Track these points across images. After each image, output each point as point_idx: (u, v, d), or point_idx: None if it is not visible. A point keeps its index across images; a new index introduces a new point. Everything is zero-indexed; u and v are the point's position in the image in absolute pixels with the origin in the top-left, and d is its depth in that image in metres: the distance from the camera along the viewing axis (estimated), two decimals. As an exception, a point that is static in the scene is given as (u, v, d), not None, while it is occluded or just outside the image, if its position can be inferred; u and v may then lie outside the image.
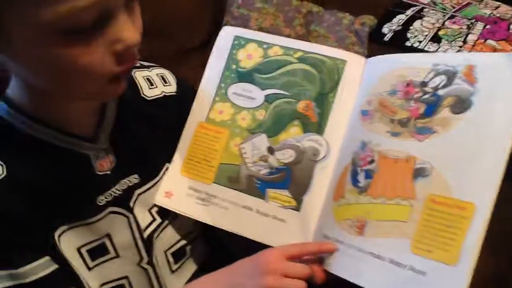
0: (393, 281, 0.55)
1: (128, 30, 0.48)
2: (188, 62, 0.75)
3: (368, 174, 0.61)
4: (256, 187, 0.67)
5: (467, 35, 1.34)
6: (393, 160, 0.60)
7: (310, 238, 0.65)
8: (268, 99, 0.69)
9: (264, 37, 0.71)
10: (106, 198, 0.61)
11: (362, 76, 0.67)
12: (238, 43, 0.71)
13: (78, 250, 0.59)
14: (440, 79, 0.59)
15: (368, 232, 0.59)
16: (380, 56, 0.67)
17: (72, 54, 0.46)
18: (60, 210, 0.56)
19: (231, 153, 0.68)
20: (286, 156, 0.68)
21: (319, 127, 0.68)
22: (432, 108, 0.59)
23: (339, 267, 0.60)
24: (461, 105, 0.56)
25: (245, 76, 0.70)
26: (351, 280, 0.58)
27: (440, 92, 0.58)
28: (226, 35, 0.72)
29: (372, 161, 0.62)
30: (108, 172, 0.61)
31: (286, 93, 0.69)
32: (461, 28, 1.37)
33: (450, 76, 0.58)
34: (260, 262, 0.59)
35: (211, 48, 0.72)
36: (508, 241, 0.67)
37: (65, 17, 0.43)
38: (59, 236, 0.57)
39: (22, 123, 0.55)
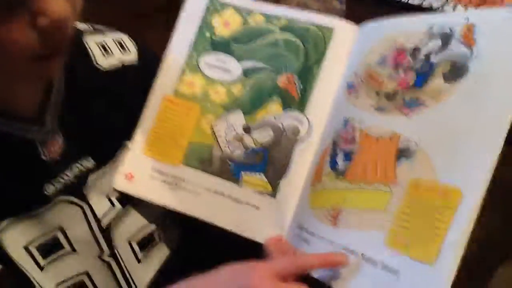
0: (363, 281, 0.46)
1: (54, 1, 0.41)
2: (151, 26, 0.67)
3: (348, 156, 0.52)
4: (230, 170, 0.60)
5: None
6: (376, 139, 0.51)
7: (285, 228, 0.57)
8: (246, 72, 0.61)
9: (244, 3, 0.63)
10: (55, 186, 0.54)
11: (353, 46, 0.58)
12: (213, 8, 0.63)
13: (26, 248, 0.52)
14: (434, 44, 0.49)
15: (342, 222, 0.50)
16: (373, 22, 0.57)
17: None
18: (0, 202, 0.50)
19: (203, 132, 0.61)
20: (263, 135, 0.60)
21: (300, 104, 0.59)
22: (423, 77, 0.49)
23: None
24: (456, 72, 0.46)
25: (221, 46, 0.62)
26: (322, 279, 0.49)
27: (434, 58, 0.49)
28: None
29: (353, 140, 0.53)
30: (57, 157, 0.54)
31: (266, 66, 0.61)
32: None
33: (446, 38, 0.48)
34: (245, 285, 0.47)
35: (177, 8, 0.63)
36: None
37: None
38: (1, 232, 0.50)
39: None
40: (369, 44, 0.56)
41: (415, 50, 0.51)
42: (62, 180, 0.55)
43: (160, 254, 0.66)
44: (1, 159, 0.50)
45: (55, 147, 0.54)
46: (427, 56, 0.49)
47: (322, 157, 0.55)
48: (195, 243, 0.67)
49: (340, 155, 0.53)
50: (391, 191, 0.47)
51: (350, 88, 0.56)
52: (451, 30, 0.48)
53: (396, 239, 0.45)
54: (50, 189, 0.53)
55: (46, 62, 0.45)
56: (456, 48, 0.47)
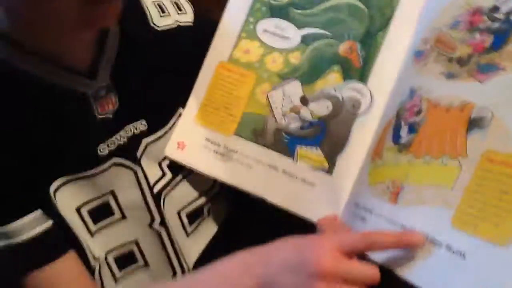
0: (424, 264, 0.41)
1: None
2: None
3: (413, 128, 0.48)
4: (285, 143, 0.57)
5: None
6: (445, 109, 0.45)
7: (341, 207, 0.53)
8: (306, 39, 0.58)
9: None
10: (108, 146, 0.53)
11: (423, 9, 0.53)
12: None
13: (78, 210, 0.53)
14: (516, 0, 0.43)
15: (402, 200, 0.46)
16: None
17: None
18: (54, 160, 0.50)
19: (257, 102, 0.58)
20: (321, 108, 0.56)
21: (362, 74, 0.55)
22: (501, 39, 0.43)
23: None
24: (541, 30, 0.40)
25: (279, 11, 0.59)
26: (377, 260, 0.45)
27: (515, 17, 0.43)
28: None
29: (419, 112, 0.48)
30: (110, 116, 0.53)
31: (327, 33, 0.57)
32: None
33: (530, -6, 0.43)
34: (308, 258, 0.42)
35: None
36: None
37: None
38: (55, 191, 0.50)
39: (9, 55, 0.47)
40: (440, 6, 0.50)
41: (493, 10, 0.45)
42: (115, 141, 0.54)
43: (208, 229, 0.64)
44: (53, 115, 0.50)
45: (109, 104, 0.53)
46: (507, 15, 0.44)
47: (384, 130, 0.51)
48: (244, 220, 0.65)
49: (404, 128, 0.48)
50: (460, 165, 0.42)
51: (418, 55, 0.51)
52: (537, -15, 0.42)
53: (464, 218, 0.40)
54: (103, 149, 0.53)
55: (100, 6, 0.43)
56: (543, 4, 0.41)
